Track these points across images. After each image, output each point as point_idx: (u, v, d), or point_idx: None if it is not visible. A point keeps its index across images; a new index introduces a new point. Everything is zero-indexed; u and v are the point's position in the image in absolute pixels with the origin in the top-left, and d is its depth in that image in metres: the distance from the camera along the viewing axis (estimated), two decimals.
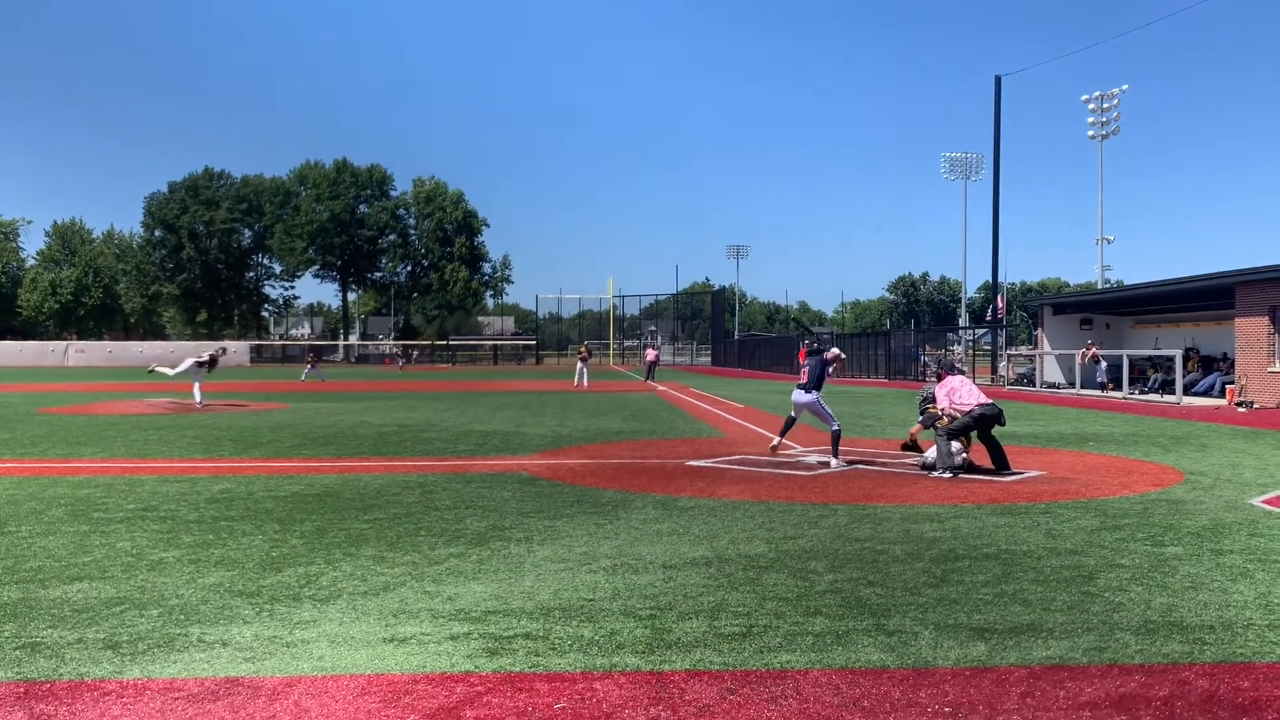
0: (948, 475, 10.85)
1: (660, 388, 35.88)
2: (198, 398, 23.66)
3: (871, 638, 4.89)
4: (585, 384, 35.87)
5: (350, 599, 5.61)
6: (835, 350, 13.16)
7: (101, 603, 5.48)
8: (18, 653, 4.58)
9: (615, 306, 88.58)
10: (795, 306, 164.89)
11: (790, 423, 13.20)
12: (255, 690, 4.12)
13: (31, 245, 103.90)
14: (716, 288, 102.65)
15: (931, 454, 11.40)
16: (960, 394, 11.58)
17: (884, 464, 12.18)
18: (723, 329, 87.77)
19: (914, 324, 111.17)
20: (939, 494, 9.71)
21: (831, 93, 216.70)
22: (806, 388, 12.47)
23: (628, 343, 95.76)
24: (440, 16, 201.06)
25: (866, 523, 8.09)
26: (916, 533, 7.65)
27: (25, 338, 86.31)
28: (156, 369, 25.79)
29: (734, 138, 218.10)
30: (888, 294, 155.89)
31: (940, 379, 12.12)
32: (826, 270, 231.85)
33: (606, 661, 4.50)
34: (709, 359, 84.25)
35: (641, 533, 7.63)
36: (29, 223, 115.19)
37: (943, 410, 11.48)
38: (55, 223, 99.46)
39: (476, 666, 4.43)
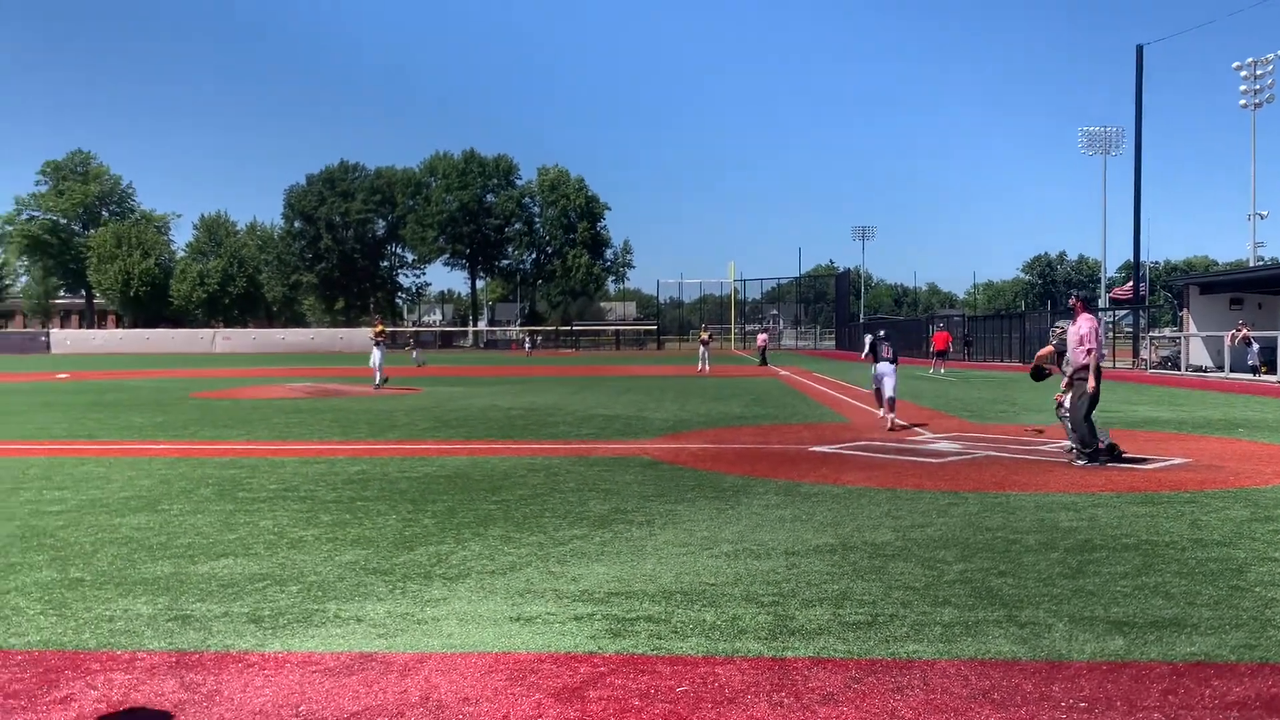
0: (1096, 463, 10.16)
1: (783, 372, 35.56)
2: (378, 377, 25.49)
3: (1002, 629, 4.75)
4: (707, 368, 35.79)
5: (479, 578, 5.75)
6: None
7: (245, 578, 5.76)
8: (170, 624, 4.86)
9: (736, 290, 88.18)
10: (924, 288, 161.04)
11: (879, 394, 15.16)
12: (388, 666, 4.27)
13: (181, 238, 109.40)
14: (841, 270, 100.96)
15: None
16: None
17: (1017, 451, 11.79)
18: (847, 312, 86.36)
19: (1050, 305, 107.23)
20: (1075, 482, 9.35)
21: (960, 67, 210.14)
22: (893, 360, 15.15)
23: (749, 327, 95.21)
24: (562, 5, 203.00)
25: (998, 511, 7.85)
26: (1051, 522, 7.39)
27: (177, 325, 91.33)
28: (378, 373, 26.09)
29: (858, 115, 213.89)
30: (1022, 274, 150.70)
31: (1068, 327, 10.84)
32: (957, 251, 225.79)
33: (729, 646, 4.50)
34: (833, 343, 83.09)
35: (764, 518, 7.58)
36: (179, 216, 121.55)
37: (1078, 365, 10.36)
38: (202, 216, 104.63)
39: (600, 647, 4.48)
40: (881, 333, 15.98)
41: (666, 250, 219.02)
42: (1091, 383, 10.30)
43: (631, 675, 4.14)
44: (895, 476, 9.78)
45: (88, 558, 6.30)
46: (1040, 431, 11.67)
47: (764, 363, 42.34)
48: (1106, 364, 33.92)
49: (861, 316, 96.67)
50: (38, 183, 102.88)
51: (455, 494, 8.79)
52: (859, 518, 7.59)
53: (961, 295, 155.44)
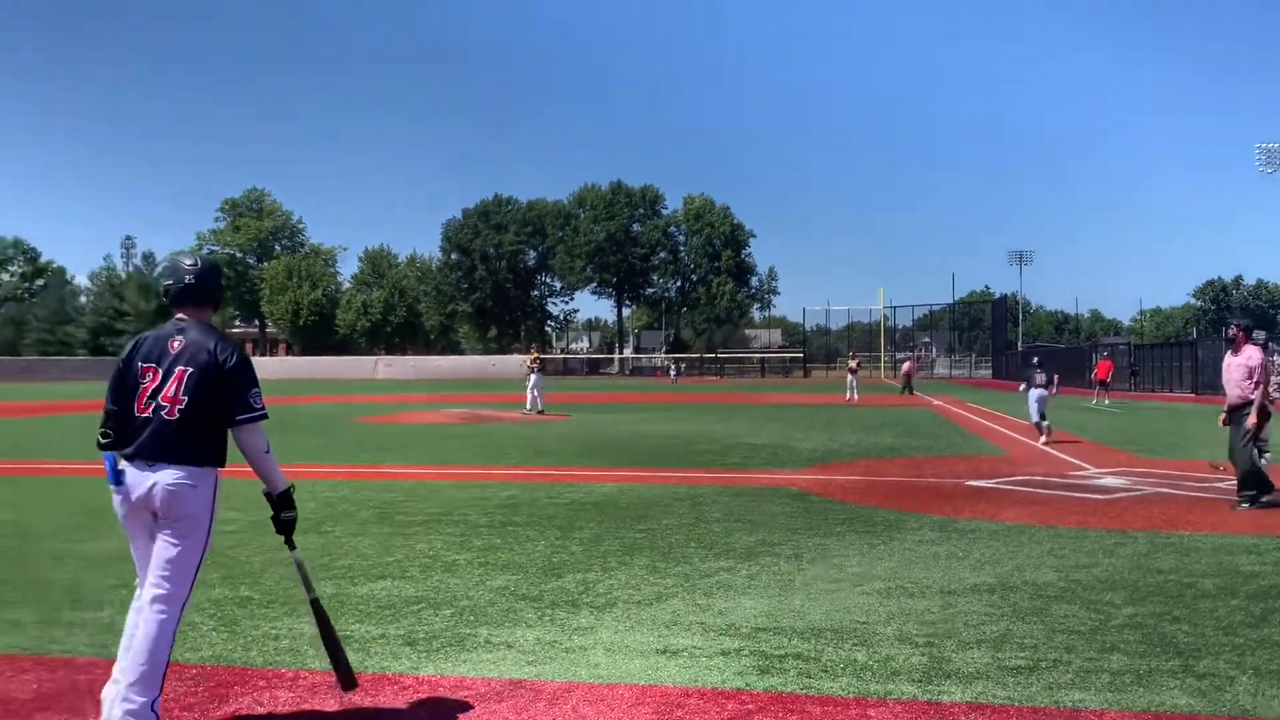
0: (1257, 505, 9.30)
1: (936, 402, 34.55)
2: (540, 405, 26.49)
3: (1178, 680, 4.44)
4: (856, 397, 35.09)
5: (625, 608, 5.76)
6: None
7: (402, 601, 5.94)
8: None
9: (886, 317, 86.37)
10: (1086, 315, 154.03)
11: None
12: (536, 693, 4.31)
13: (346, 270, 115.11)
14: (997, 296, 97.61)
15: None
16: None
17: (1191, 488, 11.08)
18: (1004, 340, 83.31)
19: (1224, 332, 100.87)
20: (1256, 523, 8.70)
21: (1124, 85, 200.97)
22: (1047, 386, 16.82)
23: (899, 355, 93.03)
24: (704, 38, 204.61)
25: (1171, 552, 7.37)
26: (1230, 565, 6.89)
27: (342, 353, 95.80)
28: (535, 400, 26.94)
29: (1009, 137, 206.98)
30: (1194, 300, 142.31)
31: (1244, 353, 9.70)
32: (1122, 276, 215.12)
33: (881, 688, 4.35)
34: (989, 372, 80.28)
35: (917, 555, 7.34)
36: (344, 250, 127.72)
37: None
38: (366, 249, 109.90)
39: (747, 684, 4.41)
40: (1035, 360, 15.94)
41: (813, 277, 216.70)
42: (1253, 419, 9.46)
43: (780, 714, 4.05)
44: (1057, 513, 9.33)
45: (256, 577, 6.62)
46: (1220, 468, 10.94)
47: (909, 391, 41.27)
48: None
49: (1019, 344, 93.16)
50: (216, 219, 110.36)
51: (602, 521, 8.85)
52: (1019, 556, 7.26)
53: (1127, 322, 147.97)
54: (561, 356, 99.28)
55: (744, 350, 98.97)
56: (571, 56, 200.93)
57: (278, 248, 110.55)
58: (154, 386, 3.80)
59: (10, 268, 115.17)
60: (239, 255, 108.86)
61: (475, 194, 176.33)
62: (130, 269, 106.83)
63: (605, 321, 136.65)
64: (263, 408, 3.94)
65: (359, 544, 7.80)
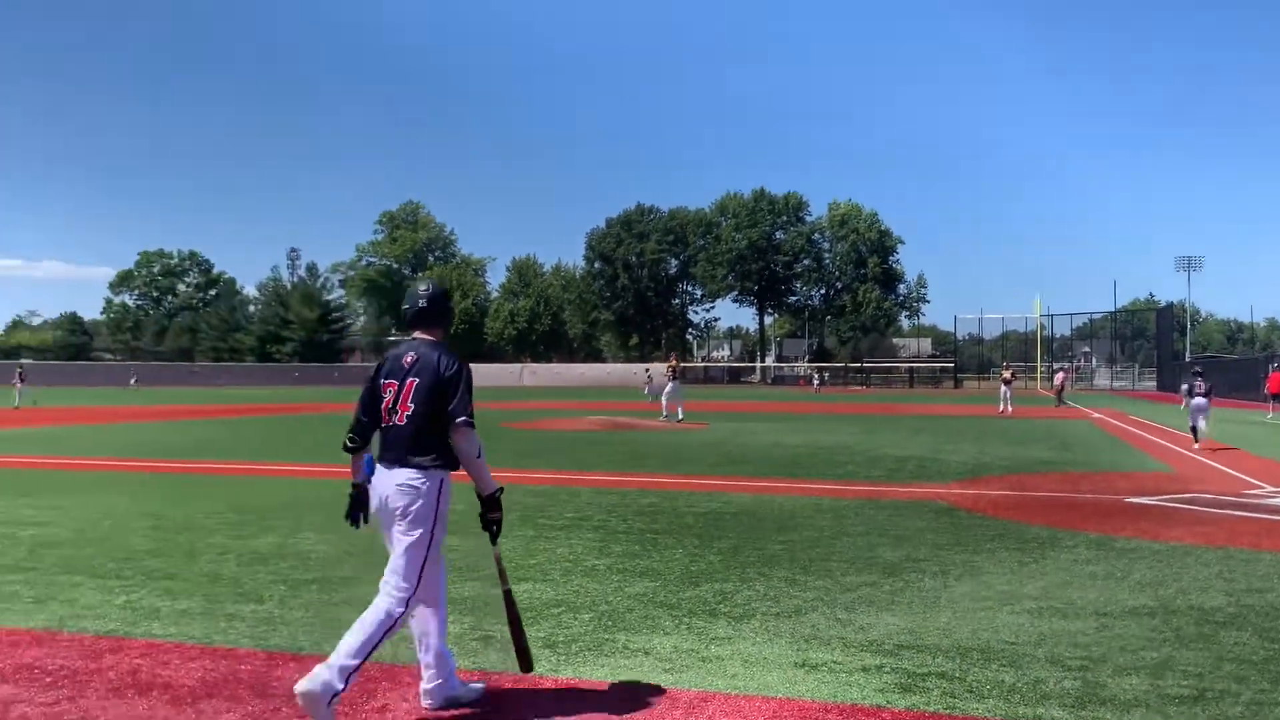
0: None
1: (1095, 414, 33.00)
2: (679, 414, 26.59)
3: None
4: (1010, 409, 33.84)
5: (763, 619, 5.71)
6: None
7: (543, 603, 6.05)
8: (474, 643, 5.18)
9: (1043, 326, 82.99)
10: (1262, 324, 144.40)
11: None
12: (673, 701, 4.31)
13: (494, 280, 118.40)
14: (1163, 304, 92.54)
15: None
16: None
17: None
18: (1170, 350, 78.91)
19: None
20: None
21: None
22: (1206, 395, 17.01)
23: (1056, 365, 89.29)
24: (853, 46, 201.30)
25: None
26: None
27: (490, 360, 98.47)
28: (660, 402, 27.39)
29: (1176, 134, 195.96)
30: None
31: None
32: None
33: (1030, 712, 4.17)
34: (1154, 383, 76.19)
35: (1072, 574, 7.01)
36: (493, 260, 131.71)
37: None
38: (513, 259, 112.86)
39: (888, 701, 4.30)
40: (1195, 369, 15.75)
41: (965, 284, 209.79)
42: None
43: None
44: (1228, 534, 8.76)
45: None
46: None
47: (1061, 403, 39.62)
48: None
49: (1187, 355, 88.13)
50: (375, 231, 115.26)
51: (741, 532, 8.80)
52: (1183, 578, 6.85)
53: None
54: (702, 365, 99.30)
55: (891, 360, 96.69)
56: (716, 64, 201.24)
57: (431, 258, 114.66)
58: (393, 399, 4.27)
59: (186, 279, 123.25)
60: (395, 266, 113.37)
61: (619, 204, 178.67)
62: (295, 280, 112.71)
63: (746, 330, 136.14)
64: (471, 414, 4.28)
65: (502, 546, 7.96)
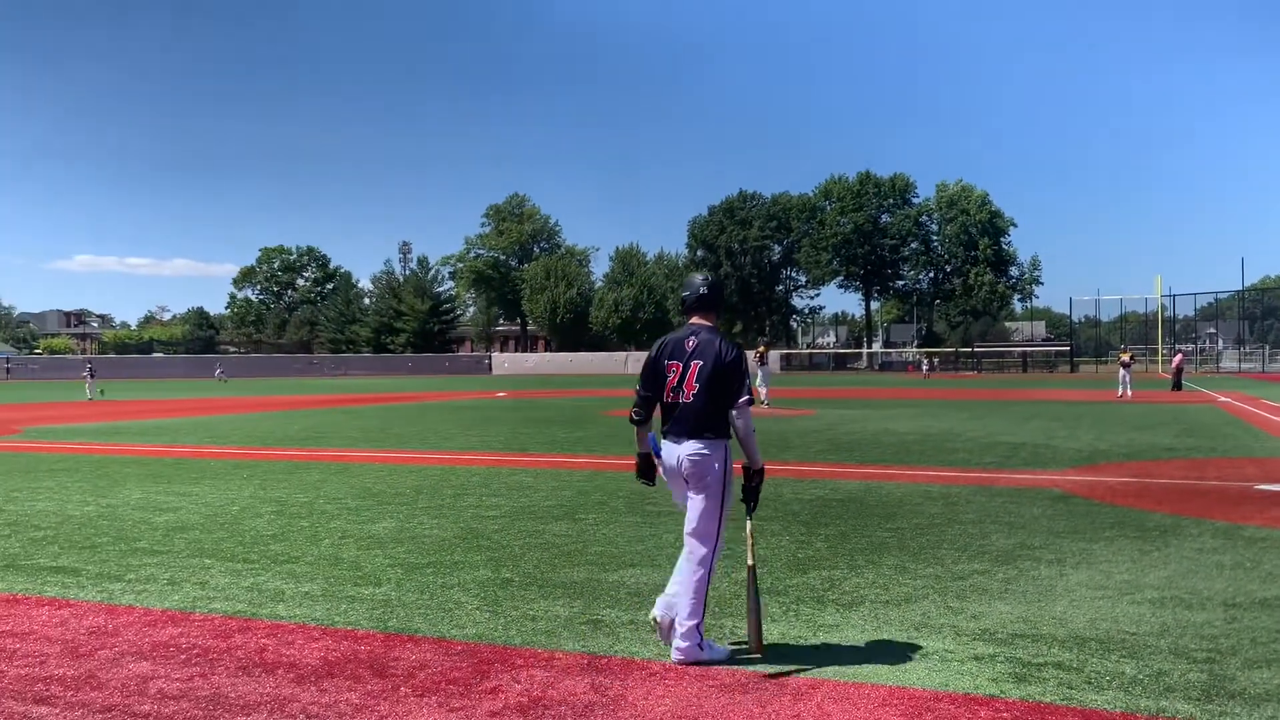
0: None
1: (1222, 399, 31.54)
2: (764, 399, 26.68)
3: None
4: (1129, 393, 32.60)
5: (872, 607, 5.65)
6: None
7: (650, 588, 6.09)
8: (583, 627, 5.26)
9: (1164, 307, 79.58)
10: None
11: None
12: (782, 688, 4.31)
13: (599, 269, 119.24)
14: None
15: None
16: None
17: None
18: None
19: None
20: None
21: None
22: None
23: (1180, 347, 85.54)
24: (957, 15, 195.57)
25: None
26: None
27: (595, 349, 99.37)
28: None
29: None
30: None
31: None
32: None
33: (1153, 704, 4.04)
34: None
35: (1197, 563, 6.75)
36: (597, 250, 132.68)
37: None
38: (617, 248, 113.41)
39: (1002, 691, 4.22)
40: None
41: (1081, 264, 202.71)
42: None
43: None
44: None
45: (517, 560, 7.00)
46: None
47: (1178, 386, 38.05)
48: None
49: None
50: (482, 224, 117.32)
51: (848, 519, 8.72)
52: None
53: None
54: (807, 351, 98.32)
55: (1003, 344, 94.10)
56: (817, 47, 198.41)
57: (536, 250, 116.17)
58: (677, 379, 4.80)
59: (304, 273, 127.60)
60: (502, 258, 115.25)
61: (721, 191, 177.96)
62: (407, 272, 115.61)
63: (852, 315, 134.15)
64: (750, 395, 4.79)
65: (610, 532, 8.07)
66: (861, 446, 15.56)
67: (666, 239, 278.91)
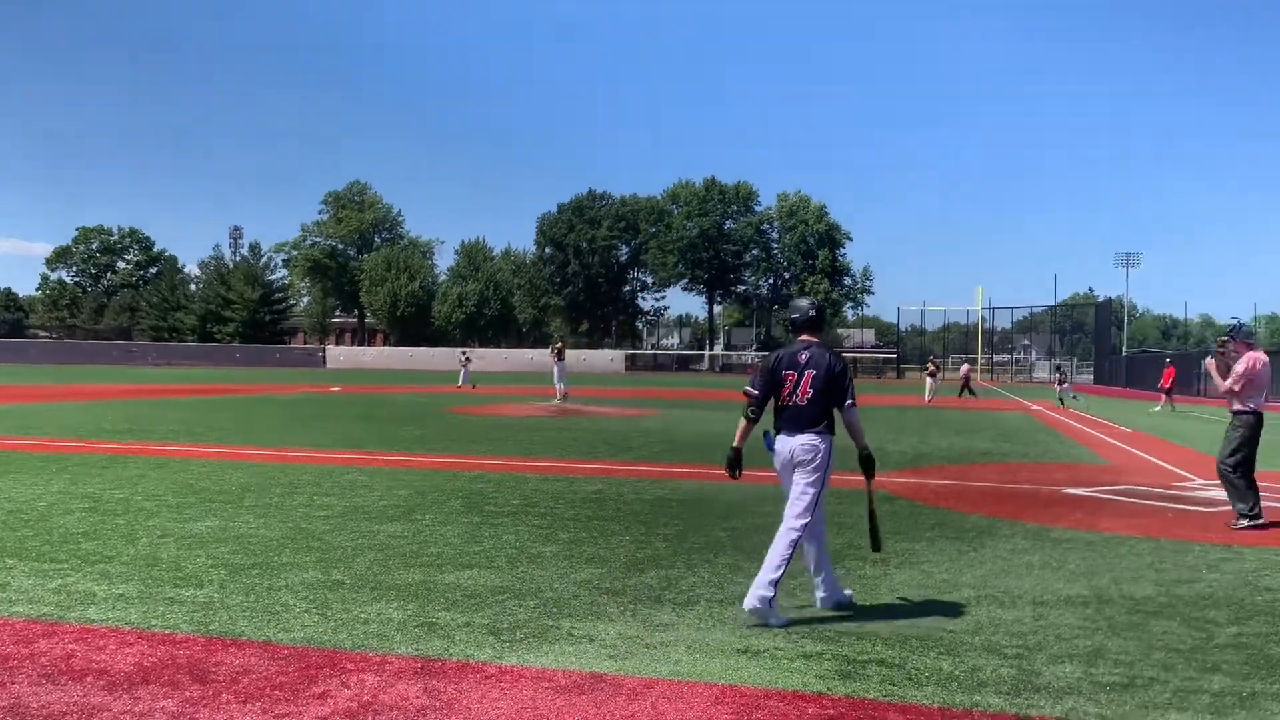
0: (1244, 524, 8.75)
1: (1034, 407, 33.66)
2: (563, 394, 27.62)
3: None
4: (932, 400, 35.95)
5: (707, 606, 5.75)
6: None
7: (488, 590, 6.03)
8: (417, 630, 5.15)
9: (984, 319, 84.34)
10: (1196, 320, 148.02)
11: None
12: (617, 688, 4.32)
13: (443, 263, 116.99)
14: (1101, 299, 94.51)
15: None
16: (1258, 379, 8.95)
17: None
18: (1109, 344, 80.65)
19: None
20: None
21: (1241, 84, 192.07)
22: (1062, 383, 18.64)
23: (997, 358, 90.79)
24: (806, 35, 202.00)
25: None
26: None
27: (437, 344, 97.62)
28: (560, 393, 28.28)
29: (1121, 133, 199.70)
30: None
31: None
32: (1236, 279, 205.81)
33: (967, 699, 4.25)
34: (1091, 376, 77.85)
35: (1009, 564, 7.16)
36: (441, 243, 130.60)
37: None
38: (463, 242, 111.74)
39: (829, 688, 4.36)
40: (1060, 368, 15.67)
41: (909, 275, 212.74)
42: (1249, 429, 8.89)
43: None
44: (1160, 525, 9.00)
45: (348, 561, 6.79)
46: None
47: (969, 393, 41.14)
48: None
49: (1124, 349, 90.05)
50: (320, 211, 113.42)
51: (686, 518, 8.85)
52: (1116, 568, 7.03)
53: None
54: (652, 352, 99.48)
55: (836, 349, 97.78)
56: (668, 50, 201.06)
57: (377, 240, 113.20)
58: (792, 386, 5.71)
59: (126, 256, 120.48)
60: (340, 247, 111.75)
61: (570, 189, 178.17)
62: (237, 258, 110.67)
63: (696, 318, 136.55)
64: (855, 398, 5.73)
65: (447, 533, 7.94)
66: (701, 447, 15.83)
67: (514, 235, 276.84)
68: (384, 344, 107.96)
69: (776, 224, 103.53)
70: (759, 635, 5.15)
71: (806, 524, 5.58)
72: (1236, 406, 9.10)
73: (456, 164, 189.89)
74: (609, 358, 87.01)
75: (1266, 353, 10.12)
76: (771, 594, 5.33)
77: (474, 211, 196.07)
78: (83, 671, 4.42)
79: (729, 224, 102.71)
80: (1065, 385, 37.08)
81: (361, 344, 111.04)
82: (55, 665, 4.50)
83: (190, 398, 29.60)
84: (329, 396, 32.20)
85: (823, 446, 5.68)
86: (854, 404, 5.75)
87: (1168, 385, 33.43)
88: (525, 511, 9.05)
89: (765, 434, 5.83)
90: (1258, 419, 8.98)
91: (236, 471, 11.68)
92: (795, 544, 5.52)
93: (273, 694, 4.17)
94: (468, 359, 45.08)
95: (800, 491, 5.64)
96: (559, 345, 30.27)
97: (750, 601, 5.33)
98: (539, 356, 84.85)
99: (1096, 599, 6.10)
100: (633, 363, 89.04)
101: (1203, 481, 12.45)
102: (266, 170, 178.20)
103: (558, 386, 28.35)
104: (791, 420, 5.73)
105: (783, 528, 5.61)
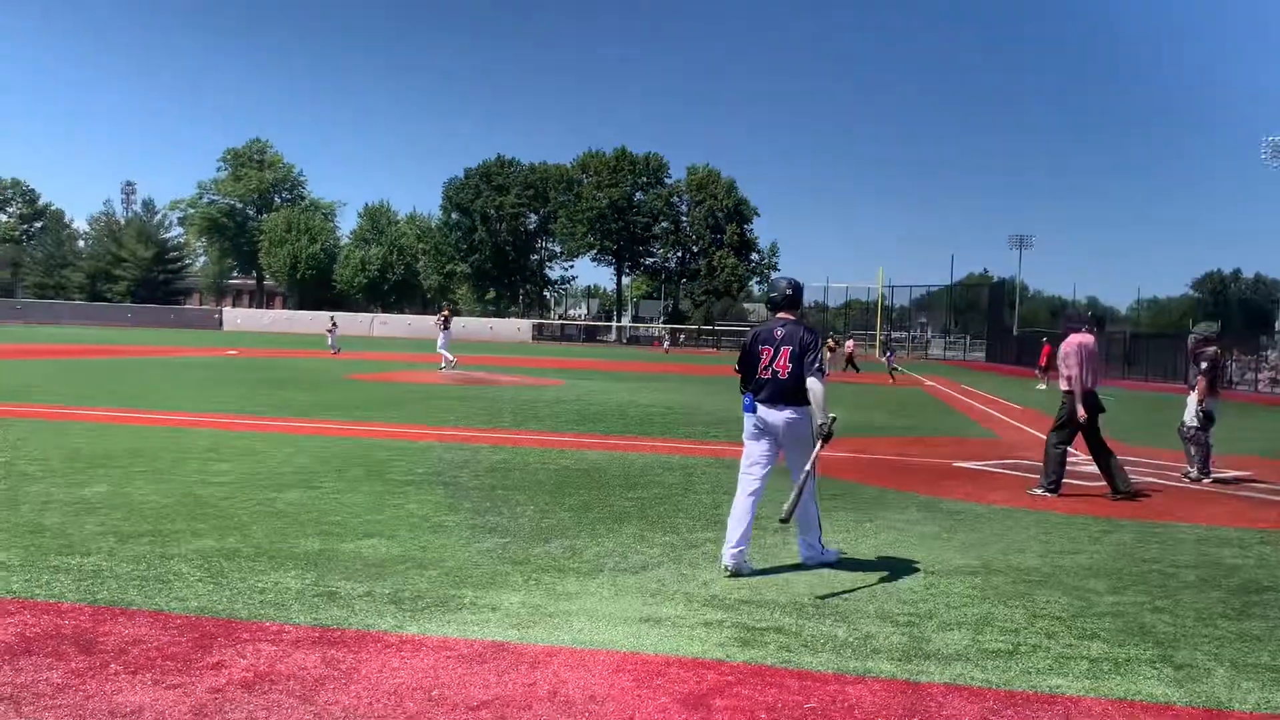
0: (1048, 493, 9.45)
1: (929, 383, 34.63)
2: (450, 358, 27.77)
3: (1155, 669, 4.48)
4: (829, 373, 36.65)
5: (611, 575, 5.80)
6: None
7: (389, 559, 5.97)
8: (316, 599, 5.07)
9: (884, 297, 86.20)
10: (1083, 301, 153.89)
11: None
12: (519, 657, 4.34)
13: (346, 225, 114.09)
14: (995, 280, 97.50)
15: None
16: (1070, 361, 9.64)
17: (1179, 479, 11.13)
18: (1001, 324, 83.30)
19: (1220, 326, 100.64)
20: (1244, 516, 8.76)
21: (1132, 69, 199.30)
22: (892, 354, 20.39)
23: (895, 334, 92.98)
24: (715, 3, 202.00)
25: (1155, 542, 7.42)
26: (1214, 558, 6.94)
27: (338, 308, 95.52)
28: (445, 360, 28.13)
29: (1017, 117, 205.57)
30: (1192, 292, 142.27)
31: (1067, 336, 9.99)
32: (1120, 264, 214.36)
33: (860, 665, 4.39)
34: (983, 354, 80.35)
35: (903, 534, 7.38)
36: (344, 205, 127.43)
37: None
38: (366, 205, 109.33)
39: (728, 655, 4.45)
40: (890, 345, 16.36)
41: (813, 252, 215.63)
42: (1081, 410, 9.52)
43: (759, 687, 4.09)
44: (1044, 499, 9.37)
45: (244, 529, 6.64)
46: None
47: (853, 369, 42.39)
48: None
49: (1015, 329, 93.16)
50: (218, 169, 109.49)
51: (591, 488, 8.88)
52: (1004, 540, 7.31)
53: (1124, 311, 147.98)
54: (559, 322, 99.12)
55: (742, 323, 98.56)
56: (579, 13, 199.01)
57: (278, 200, 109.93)
58: (769, 359, 6.14)
59: (8, 208, 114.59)
60: (239, 206, 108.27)
61: (478, 154, 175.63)
62: (129, 215, 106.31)
63: (604, 289, 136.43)
64: (822, 367, 6.07)
65: (349, 501, 7.82)
66: (607, 418, 15.89)
67: (420, 199, 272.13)
68: (283, 307, 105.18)
69: (686, 197, 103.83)
70: (661, 604, 5.22)
71: (807, 477, 6.05)
72: (1063, 387, 9.73)
73: (361, 123, 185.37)
74: (516, 327, 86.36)
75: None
76: (819, 544, 6.30)
77: (378, 175, 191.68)
78: None
79: (639, 195, 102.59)
80: (891, 355, 43.65)
81: (260, 307, 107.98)
82: None
83: (78, 359, 28.43)
84: (226, 360, 31.30)
85: (804, 418, 6.14)
86: (822, 373, 6.10)
87: (1044, 363, 34.94)
88: (429, 480, 8.97)
89: (745, 396, 6.33)
90: (1086, 396, 9.55)
91: (127, 436, 11.29)
92: (810, 498, 6.17)
93: (164, 664, 4.07)
94: (334, 324, 44.78)
95: (796, 459, 6.21)
96: (445, 313, 30.06)
97: (803, 554, 6.27)
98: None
99: (984, 569, 6.34)
100: (540, 332, 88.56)
101: (1085, 457, 12.98)
102: (161, 123, 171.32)
103: (443, 354, 28.21)
104: (775, 393, 6.12)
105: (795, 492, 6.00)
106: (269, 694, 3.79)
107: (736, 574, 5.86)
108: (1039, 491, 9.49)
